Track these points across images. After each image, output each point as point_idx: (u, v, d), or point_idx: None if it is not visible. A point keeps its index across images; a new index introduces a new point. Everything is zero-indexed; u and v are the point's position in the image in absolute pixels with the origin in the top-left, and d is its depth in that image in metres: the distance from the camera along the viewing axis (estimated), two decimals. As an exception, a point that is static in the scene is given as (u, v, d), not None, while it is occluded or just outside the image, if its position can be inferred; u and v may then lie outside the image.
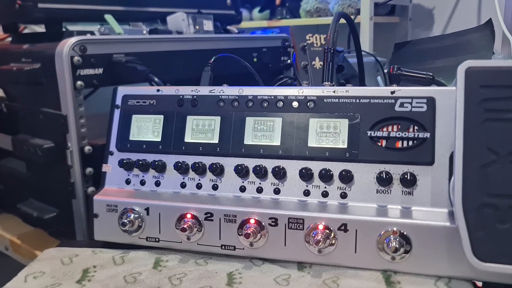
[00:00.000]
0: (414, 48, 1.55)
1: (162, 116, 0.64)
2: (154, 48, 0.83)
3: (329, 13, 1.53)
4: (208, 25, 0.97)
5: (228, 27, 1.09)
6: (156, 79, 0.74)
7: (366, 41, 1.41)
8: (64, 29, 0.96)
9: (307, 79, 0.88)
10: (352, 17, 1.47)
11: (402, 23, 1.63)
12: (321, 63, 0.96)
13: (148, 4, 0.97)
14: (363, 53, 1.37)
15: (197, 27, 1.00)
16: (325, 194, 0.56)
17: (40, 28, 1.09)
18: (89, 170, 0.74)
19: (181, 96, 0.64)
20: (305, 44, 0.91)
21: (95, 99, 0.91)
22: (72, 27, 1.00)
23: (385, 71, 1.31)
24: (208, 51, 0.90)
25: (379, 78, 1.24)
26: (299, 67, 0.90)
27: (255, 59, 1.04)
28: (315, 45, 0.91)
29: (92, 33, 0.83)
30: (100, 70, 0.75)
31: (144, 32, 0.89)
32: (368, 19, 1.40)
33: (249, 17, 1.67)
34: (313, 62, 0.91)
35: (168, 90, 0.65)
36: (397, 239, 0.52)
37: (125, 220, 0.60)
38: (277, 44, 1.09)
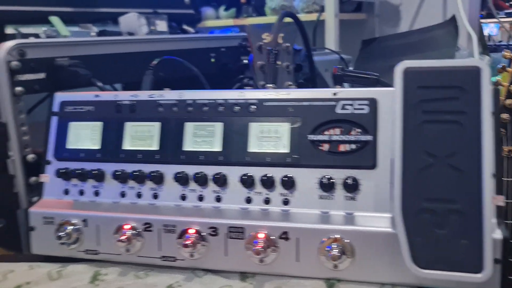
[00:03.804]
0: (381, 44, 1.55)
1: (100, 123, 0.61)
2: (102, 50, 0.80)
3: (294, 10, 1.51)
4: (162, 25, 0.94)
5: (185, 27, 1.07)
6: (99, 84, 0.71)
7: (331, 39, 1.40)
8: (16, 32, 0.92)
9: (265, 80, 0.86)
10: (317, 14, 1.45)
11: (369, 20, 1.62)
12: (279, 62, 0.94)
13: (99, 5, 0.94)
14: (327, 50, 1.36)
15: (152, 28, 0.97)
16: (267, 201, 0.55)
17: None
18: (33, 179, 0.71)
19: (119, 102, 0.61)
20: (261, 43, 0.89)
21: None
22: (25, 30, 0.96)
23: (350, 68, 1.30)
24: (162, 52, 0.87)
25: (342, 76, 1.22)
26: (256, 67, 0.88)
27: (212, 60, 1.01)
28: (272, 44, 0.89)
29: (36, 35, 0.80)
30: (42, 75, 0.72)
31: (92, 34, 0.85)
32: (333, 16, 1.39)
33: (215, 15, 1.64)
34: (270, 62, 0.88)
35: (107, 95, 0.62)
36: (339, 247, 0.50)
37: (61, 233, 0.57)
38: (236, 43, 1.07)
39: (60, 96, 0.64)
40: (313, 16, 1.45)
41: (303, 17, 1.48)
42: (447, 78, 0.47)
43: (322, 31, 1.43)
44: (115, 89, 0.90)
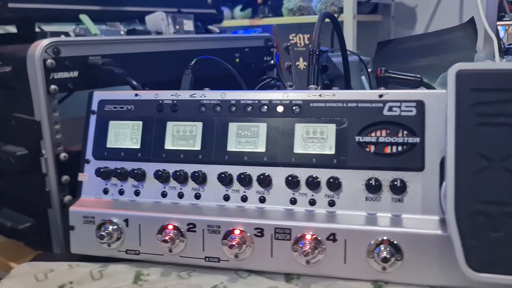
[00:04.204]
0: (398, 46, 1.54)
1: (140, 122, 0.61)
2: (132, 49, 0.80)
3: (312, 11, 1.51)
4: (189, 25, 0.94)
5: (210, 27, 1.06)
6: (134, 83, 0.71)
7: (349, 40, 1.39)
8: (39, 30, 0.92)
9: (291, 80, 0.86)
10: (335, 15, 1.45)
11: (385, 22, 1.62)
12: (305, 63, 0.94)
13: (126, 4, 0.94)
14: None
15: (177, 27, 0.97)
16: (312, 202, 0.54)
17: (14, 29, 1.05)
18: (65, 178, 0.71)
19: (160, 101, 0.61)
20: (288, 44, 0.88)
21: (71, 102, 0.87)
22: (47, 28, 0.96)
23: (369, 70, 1.29)
24: (188, 52, 0.87)
25: (363, 77, 1.22)
26: (282, 68, 0.88)
27: (237, 60, 1.01)
28: (298, 45, 0.89)
29: (66, 34, 0.80)
30: (75, 73, 0.72)
31: (122, 32, 0.85)
32: (352, 18, 1.39)
33: (230, 15, 1.64)
34: (297, 63, 0.88)
35: (147, 94, 0.62)
36: (388, 249, 0.50)
37: (103, 233, 0.57)
38: (259, 44, 1.07)
39: (99, 95, 0.64)
40: (331, 17, 1.45)
41: (320, 18, 1.48)
42: (501, 80, 0.47)
43: (340, 32, 1.43)
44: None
